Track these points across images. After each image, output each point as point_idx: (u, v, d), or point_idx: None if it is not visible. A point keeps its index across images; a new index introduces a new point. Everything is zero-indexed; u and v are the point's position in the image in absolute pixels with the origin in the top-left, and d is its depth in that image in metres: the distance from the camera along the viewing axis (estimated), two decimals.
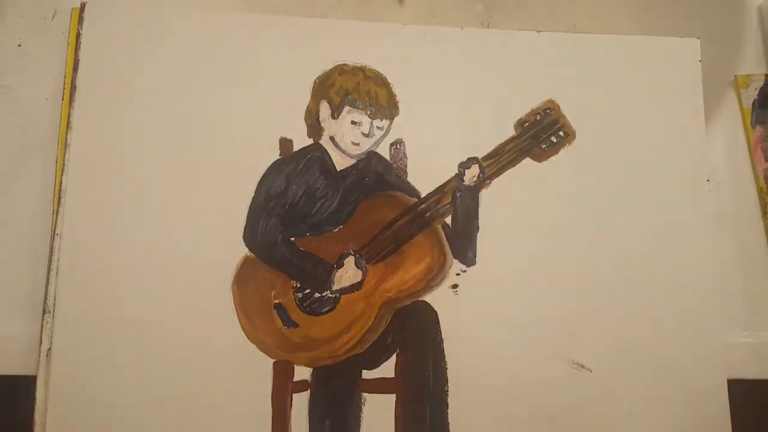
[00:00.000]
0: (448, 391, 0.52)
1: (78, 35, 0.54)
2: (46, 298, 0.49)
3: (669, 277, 0.56)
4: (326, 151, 0.55)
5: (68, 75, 0.54)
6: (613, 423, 0.53)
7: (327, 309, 0.52)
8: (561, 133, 0.57)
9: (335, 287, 0.53)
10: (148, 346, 0.50)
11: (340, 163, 0.55)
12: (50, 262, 0.50)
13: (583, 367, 0.54)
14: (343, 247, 0.53)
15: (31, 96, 0.54)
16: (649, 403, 0.54)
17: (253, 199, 0.53)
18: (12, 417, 0.49)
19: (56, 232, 0.50)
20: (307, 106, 0.55)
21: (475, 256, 0.54)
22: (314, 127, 0.55)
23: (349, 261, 0.53)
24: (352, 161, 0.55)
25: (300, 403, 0.50)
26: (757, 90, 0.62)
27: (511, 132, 0.57)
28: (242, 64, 0.55)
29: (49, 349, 0.49)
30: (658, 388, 0.54)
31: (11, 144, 0.53)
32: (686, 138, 0.58)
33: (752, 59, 0.62)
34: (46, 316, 0.49)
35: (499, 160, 0.56)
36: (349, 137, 0.55)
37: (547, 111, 0.58)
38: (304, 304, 0.52)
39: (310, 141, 0.55)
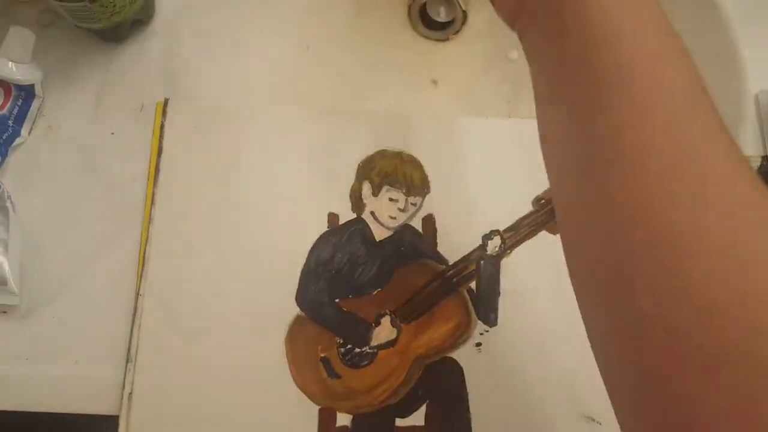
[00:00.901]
0: None
1: (162, 126, 0.65)
2: (129, 348, 0.59)
3: None
4: (367, 224, 0.63)
5: (153, 159, 0.64)
6: None
7: (366, 363, 0.60)
8: None
9: (373, 343, 0.60)
10: (212, 394, 0.58)
11: (379, 234, 0.63)
12: (134, 319, 0.59)
13: (593, 420, 0.60)
14: (380, 308, 0.61)
15: (121, 177, 0.64)
16: None
17: (304, 265, 0.62)
18: None
19: (140, 293, 0.60)
20: (352, 186, 0.64)
21: (497, 318, 0.61)
22: (357, 203, 0.64)
23: (386, 320, 0.61)
24: (390, 232, 0.63)
25: None
26: (756, 169, 0.68)
27: (529, 208, 0.65)
28: (300, 150, 0.65)
29: (131, 393, 0.58)
30: None
31: (104, 217, 0.63)
32: None
33: (750, 142, 0.69)
34: (128, 364, 0.58)
35: (518, 233, 0.64)
36: (387, 212, 0.63)
37: None
38: (346, 358, 0.60)
39: (354, 215, 0.64)
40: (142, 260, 0.61)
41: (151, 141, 0.65)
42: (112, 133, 0.66)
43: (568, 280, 0.63)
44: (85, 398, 0.58)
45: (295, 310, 0.61)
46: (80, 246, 0.62)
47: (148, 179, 0.64)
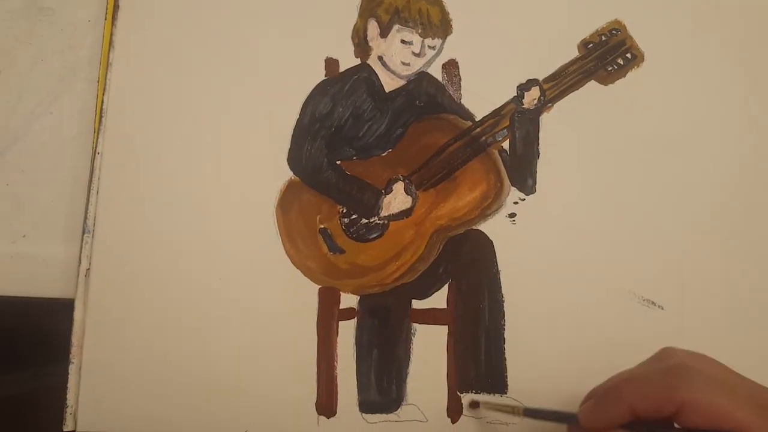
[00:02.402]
0: (504, 325, 0.48)
1: None
2: (86, 218, 0.48)
3: (746, 212, 0.51)
4: (374, 71, 0.51)
5: None
6: None
7: (375, 236, 0.49)
8: (628, 55, 0.53)
9: (383, 213, 0.49)
10: (189, 268, 0.48)
11: (389, 84, 0.52)
12: (90, 181, 0.49)
13: (654, 303, 0.49)
14: (391, 172, 0.50)
15: (74, 18, 0.52)
16: (721, 344, 0.48)
17: (297, 121, 0.50)
18: (50, 340, 0.48)
19: (97, 151, 0.49)
20: (354, 25, 0.52)
21: (535, 184, 0.50)
22: (362, 46, 0.52)
23: (398, 187, 0.50)
24: (402, 82, 0.51)
25: (347, 331, 0.47)
26: None
27: (573, 53, 0.52)
28: None
29: (88, 269, 0.47)
30: (732, 328, 0.49)
31: (55, 66, 0.52)
32: None
33: None
34: (85, 236, 0.48)
35: (561, 83, 0.52)
36: (398, 57, 0.52)
37: (613, 32, 0.53)
38: (351, 230, 0.49)
39: (358, 61, 0.52)
40: (100, 113, 0.50)
41: None
42: None
43: (622, 139, 0.52)
44: (33, 279, 0.48)
45: (288, 174, 0.49)
46: (25, 96, 0.51)
47: (106, 19, 0.52)
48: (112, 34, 0.51)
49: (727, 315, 0.49)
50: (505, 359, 0.47)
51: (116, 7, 0.52)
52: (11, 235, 0.49)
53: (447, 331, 0.48)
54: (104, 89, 0.50)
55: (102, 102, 0.50)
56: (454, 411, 0.47)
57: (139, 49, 0.51)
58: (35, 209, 0.49)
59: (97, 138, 0.49)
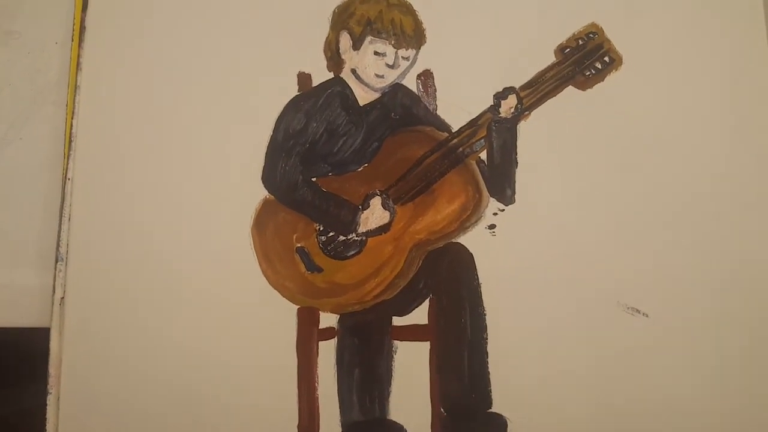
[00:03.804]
0: (487, 338, 0.47)
1: None
2: (58, 245, 0.47)
3: (730, 216, 0.50)
4: (348, 85, 0.50)
5: (77, 16, 0.51)
6: (670, 370, 0.47)
7: (353, 253, 0.49)
8: (606, 58, 0.52)
9: (361, 229, 0.49)
10: (165, 292, 0.47)
11: (363, 97, 0.51)
12: (62, 207, 0.48)
13: (638, 311, 0.48)
14: (368, 187, 0.49)
15: (41, 40, 0.52)
16: (709, 352, 0.48)
17: (271, 138, 0.49)
18: (27, 369, 0.47)
19: (67, 176, 0.48)
20: (327, 38, 0.51)
21: (514, 194, 0.49)
22: (334, 59, 0.51)
23: (375, 201, 0.49)
24: (376, 95, 0.51)
25: (327, 351, 0.47)
26: None
27: (550, 59, 0.51)
28: None
29: (62, 297, 0.47)
30: (719, 336, 0.48)
31: (22, 89, 0.51)
32: (746, 61, 0.52)
33: None
34: (59, 264, 0.47)
35: (538, 89, 0.51)
36: (372, 69, 0.51)
37: (590, 35, 0.52)
38: (328, 248, 0.49)
39: (331, 75, 0.51)
40: (69, 137, 0.49)
41: None
42: None
43: (601, 145, 0.51)
44: (5, 308, 0.48)
45: (262, 193, 0.49)
46: None
47: (73, 41, 0.51)
48: (79, 56, 0.50)
49: (713, 320, 0.48)
50: (488, 373, 0.47)
51: (82, 28, 0.51)
52: None
53: (429, 347, 0.47)
54: (73, 113, 0.49)
55: (71, 126, 0.49)
56: (437, 427, 0.47)
57: (106, 70, 0.50)
58: (6, 237, 0.49)
59: (67, 163, 0.48)
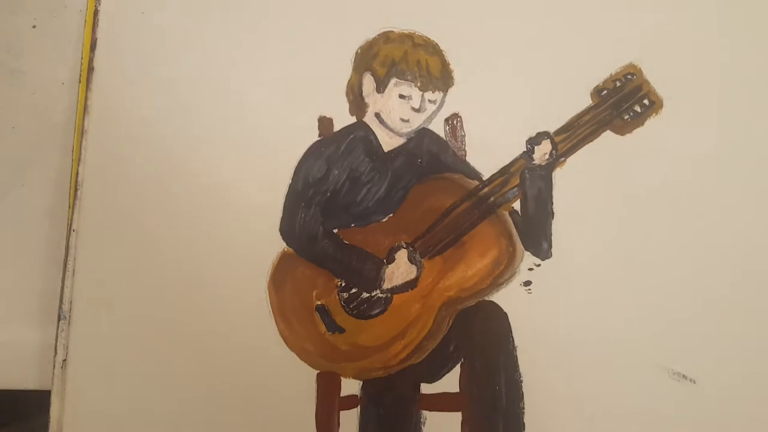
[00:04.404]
0: (524, 408, 0.43)
1: (95, 12, 0.49)
2: (61, 303, 0.44)
3: None
4: (371, 129, 0.48)
5: (85, 56, 0.49)
6: None
7: (377, 311, 0.45)
8: (646, 101, 0.49)
9: (386, 286, 0.45)
10: (175, 354, 0.43)
11: (388, 143, 0.48)
12: (66, 261, 0.45)
13: (684, 377, 0.45)
14: (393, 239, 0.46)
15: (47, 80, 0.49)
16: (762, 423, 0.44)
17: (290, 186, 0.46)
18: None
19: (72, 227, 0.45)
20: (349, 80, 0.48)
21: (551, 248, 0.46)
22: (357, 103, 0.48)
23: (401, 255, 0.46)
24: (402, 140, 0.48)
25: (349, 422, 0.43)
26: None
27: (586, 102, 0.49)
28: (275, 34, 0.48)
29: (65, 360, 0.43)
30: None
31: (26, 132, 0.48)
32: None
33: None
34: (61, 322, 0.44)
35: (574, 134, 0.48)
36: (397, 113, 0.48)
37: (629, 76, 0.49)
38: (351, 306, 0.45)
39: (353, 119, 0.48)
40: (75, 185, 0.46)
41: (83, 32, 0.50)
42: (34, 26, 0.51)
43: (643, 194, 0.48)
44: (5, 369, 0.44)
45: (280, 245, 0.45)
46: None
47: (80, 81, 0.48)
48: (86, 99, 0.48)
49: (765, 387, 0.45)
50: None
51: (90, 69, 0.48)
52: None
53: (461, 418, 0.43)
54: (79, 159, 0.46)
55: (77, 173, 0.46)
56: None
57: (115, 114, 0.47)
58: (7, 291, 0.46)
59: (72, 214, 0.45)
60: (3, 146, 0.48)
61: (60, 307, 0.44)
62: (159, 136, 0.47)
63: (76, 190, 0.46)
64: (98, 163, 0.46)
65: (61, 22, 0.50)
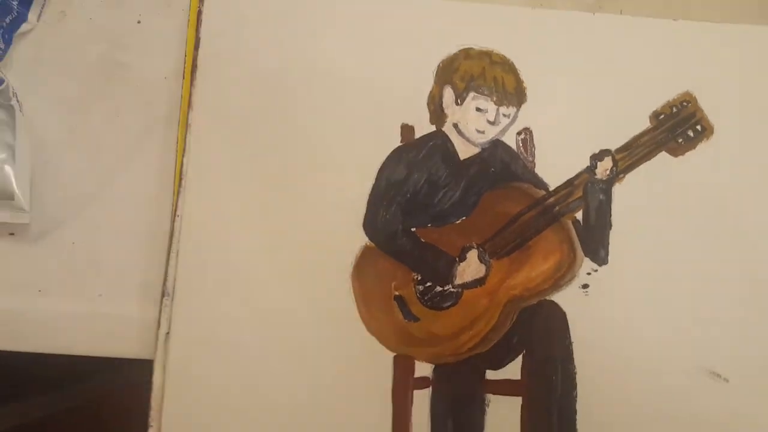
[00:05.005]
0: (576, 397, 0.49)
1: (199, 12, 0.53)
2: (165, 281, 0.48)
3: None
4: (449, 138, 0.52)
5: (189, 53, 0.52)
6: None
7: (449, 304, 0.50)
8: (698, 127, 0.53)
9: (457, 281, 0.50)
10: (266, 334, 0.48)
11: (464, 151, 0.52)
12: (170, 244, 0.49)
13: (719, 376, 0.50)
14: (465, 240, 0.51)
15: (150, 75, 0.53)
16: None
17: (373, 186, 0.51)
18: (130, 400, 0.49)
19: (177, 213, 0.49)
20: (430, 92, 0.52)
21: (608, 255, 0.51)
22: (437, 113, 0.52)
23: (472, 254, 0.50)
24: (476, 150, 0.52)
25: (421, 400, 0.48)
26: None
27: (644, 125, 0.53)
28: (366, 45, 0.53)
29: (168, 333, 0.48)
30: None
31: (130, 124, 0.52)
32: None
33: None
34: (165, 299, 0.48)
35: (633, 153, 0.52)
36: (473, 125, 0.52)
37: (684, 104, 0.54)
38: (425, 298, 0.50)
39: (433, 128, 0.52)
40: (179, 174, 0.50)
41: (187, 30, 0.53)
42: (139, 22, 0.54)
43: (693, 210, 0.52)
44: (110, 339, 0.48)
45: (363, 240, 0.50)
46: (102, 156, 0.51)
47: (184, 77, 0.52)
48: (190, 95, 0.52)
49: None
50: (576, 430, 0.48)
51: (194, 66, 0.52)
52: (88, 294, 0.49)
53: (521, 403, 0.48)
54: (183, 151, 0.50)
55: (181, 164, 0.50)
56: None
57: (216, 110, 0.51)
58: (112, 268, 0.50)
59: (177, 200, 0.50)
60: (109, 134, 0.52)
61: (164, 285, 0.48)
62: (254, 135, 0.51)
63: (180, 179, 0.50)
64: (200, 156, 0.50)
65: (165, 20, 0.54)
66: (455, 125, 0.52)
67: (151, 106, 0.53)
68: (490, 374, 0.49)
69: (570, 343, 0.49)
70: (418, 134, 0.52)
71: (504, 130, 0.52)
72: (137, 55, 0.53)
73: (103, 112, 0.52)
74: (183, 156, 0.50)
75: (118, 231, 0.50)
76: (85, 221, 0.50)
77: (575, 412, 0.48)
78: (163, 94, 0.53)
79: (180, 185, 0.50)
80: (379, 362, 0.48)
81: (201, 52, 0.52)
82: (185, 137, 0.50)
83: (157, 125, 0.52)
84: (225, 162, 0.50)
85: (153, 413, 0.47)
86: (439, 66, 0.53)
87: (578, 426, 0.48)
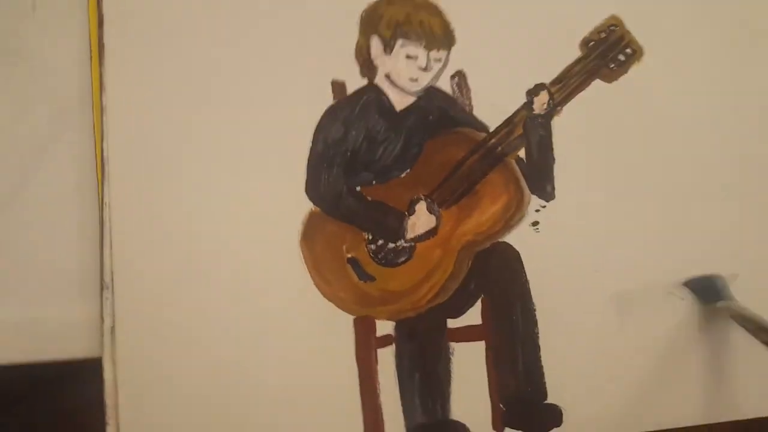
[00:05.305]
0: (538, 333, 0.49)
1: None
2: (102, 273, 0.46)
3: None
4: (382, 91, 0.50)
5: (93, 33, 0.49)
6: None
7: (403, 259, 0.49)
8: (628, 50, 0.53)
9: (409, 236, 0.49)
10: (217, 315, 0.46)
11: (399, 102, 0.51)
12: (102, 234, 0.46)
13: (674, 294, 0.51)
14: (412, 193, 0.49)
15: (54, 61, 0.49)
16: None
17: (311, 149, 0.49)
18: (82, 402, 0.46)
19: (104, 201, 0.47)
20: (357, 43, 0.50)
21: (554, 190, 0.50)
22: (367, 65, 0.50)
23: (421, 207, 0.49)
24: (412, 99, 0.50)
25: (386, 358, 0.47)
26: None
27: (576, 54, 0.53)
28: (284, 1, 0.50)
29: (113, 326, 0.46)
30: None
31: (40, 117, 0.48)
32: None
33: None
34: (104, 292, 0.46)
35: (567, 84, 0.52)
36: (405, 73, 0.50)
37: (612, 28, 0.53)
38: (379, 256, 0.49)
39: (365, 81, 0.50)
40: (100, 161, 0.47)
41: (88, 8, 0.49)
42: (34, 9, 0.50)
43: (633, 135, 0.52)
44: (53, 342, 0.46)
45: (308, 205, 0.48)
46: (15, 153, 0.48)
47: (91, 59, 0.49)
48: (101, 76, 0.48)
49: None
50: (541, 366, 0.49)
51: (101, 46, 0.48)
52: (22, 298, 0.46)
53: (484, 345, 0.48)
54: (101, 136, 0.47)
55: (102, 150, 0.47)
56: (498, 423, 0.48)
57: (132, 89, 0.48)
58: (44, 267, 0.47)
59: (103, 189, 0.47)
60: (17, 130, 0.48)
61: (101, 278, 0.46)
62: (178, 107, 0.48)
63: (102, 165, 0.47)
64: (121, 138, 0.47)
65: (62, 2, 0.50)
66: (387, 76, 0.50)
67: (61, 92, 0.49)
68: (452, 323, 0.48)
69: (526, 281, 0.49)
70: (350, 90, 0.50)
71: (437, 76, 0.51)
72: (37, 42, 0.49)
73: (13, 106, 0.49)
74: (102, 141, 0.47)
75: (45, 228, 0.47)
76: (7, 223, 0.47)
77: (539, 348, 0.49)
78: (73, 79, 0.49)
79: (103, 172, 0.47)
80: (339, 327, 0.47)
81: (106, 28, 0.48)
82: (101, 121, 0.47)
83: (69, 113, 0.48)
84: (148, 141, 0.47)
85: (109, 410, 0.45)
86: (362, 16, 0.50)
87: (543, 361, 0.49)
